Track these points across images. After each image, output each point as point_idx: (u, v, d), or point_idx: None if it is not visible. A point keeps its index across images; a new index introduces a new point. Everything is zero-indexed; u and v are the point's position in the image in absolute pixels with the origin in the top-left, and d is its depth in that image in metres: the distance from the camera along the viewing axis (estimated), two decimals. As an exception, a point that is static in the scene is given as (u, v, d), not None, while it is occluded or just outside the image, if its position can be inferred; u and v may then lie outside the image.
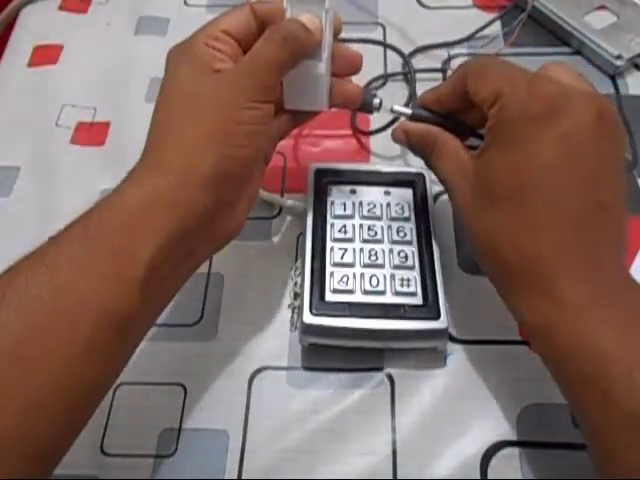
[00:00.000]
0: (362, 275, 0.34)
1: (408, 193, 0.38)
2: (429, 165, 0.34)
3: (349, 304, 0.33)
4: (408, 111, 0.34)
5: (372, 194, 0.38)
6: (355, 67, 0.34)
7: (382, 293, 0.34)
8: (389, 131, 0.36)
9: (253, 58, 0.30)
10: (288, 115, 0.34)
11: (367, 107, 0.34)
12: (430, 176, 0.38)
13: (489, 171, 0.29)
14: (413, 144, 0.34)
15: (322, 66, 0.31)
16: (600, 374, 0.25)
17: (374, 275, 0.34)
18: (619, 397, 0.24)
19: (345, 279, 0.34)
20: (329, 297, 0.34)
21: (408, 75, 0.46)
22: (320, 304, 0.33)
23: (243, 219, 0.31)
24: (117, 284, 0.26)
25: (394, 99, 0.45)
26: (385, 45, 0.48)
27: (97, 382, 0.26)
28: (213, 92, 0.29)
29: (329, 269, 0.35)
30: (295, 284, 0.37)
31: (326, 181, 0.38)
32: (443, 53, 0.47)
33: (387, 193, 0.38)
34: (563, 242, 0.27)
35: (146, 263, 0.26)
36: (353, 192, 0.38)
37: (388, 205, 0.37)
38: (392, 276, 0.34)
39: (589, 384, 0.25)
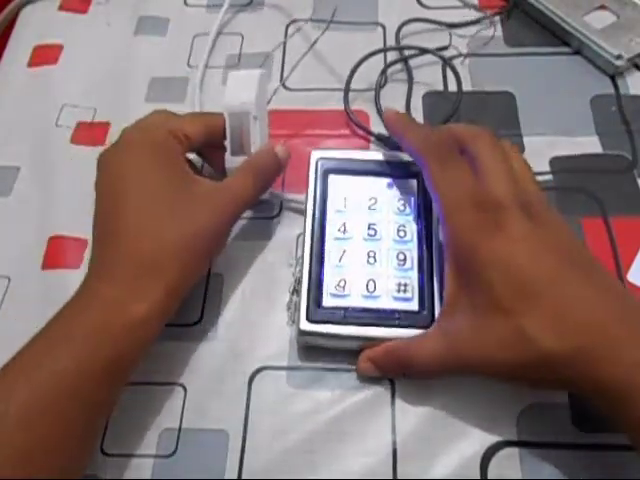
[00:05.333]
0: (359, 279, 0.34)
1: (413, 184, 0.37)
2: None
3: (345, 311, 0.33)
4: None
5: (374, 186, 0.37)
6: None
7: (378, 298, 0.34)
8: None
9: (236, 196, 0.33)
10: None
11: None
12: None
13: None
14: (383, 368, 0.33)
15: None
16: None
17: (371, 279, 0.34)
18: None
19: (342, 283, 0.34)
20: (326, 302, 0.34)
21: (408, 61, 0.46)
22: (316, 310, 0.33)
23: None
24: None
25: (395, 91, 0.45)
26: (385, 50, 0.48)
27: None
28: (196, 212, 0.32)
29: (327, 272, 0.34)
30: (295, 280, 0.37)
31: (327, 171, 0.37)
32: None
33: (390, 185, 0.37)
34: None
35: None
36: (355, 184, 0.37)
37: (391, 199, 0.36)
38: (389, 280, 0.34)
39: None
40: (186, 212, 0.31)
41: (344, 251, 0.35)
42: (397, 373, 0.33)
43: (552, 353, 0.27)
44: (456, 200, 0.31)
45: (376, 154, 0.38)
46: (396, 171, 0.37)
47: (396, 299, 0.34)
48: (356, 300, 0.34)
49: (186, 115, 0.36)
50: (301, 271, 0.34)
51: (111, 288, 0.29)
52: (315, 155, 0.37)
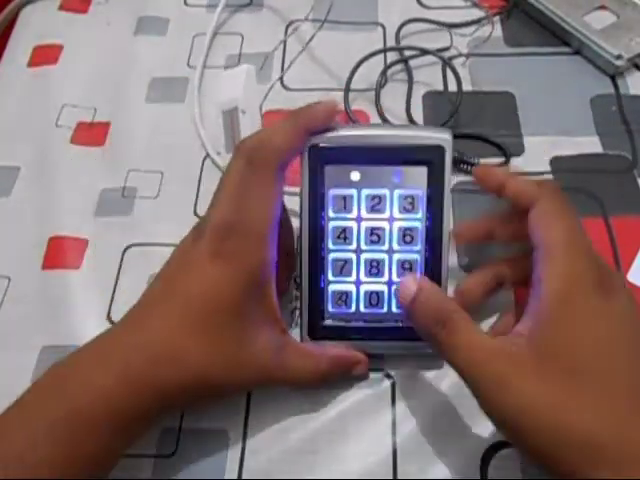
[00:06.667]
0: (362, 292, 0.33)
1: (422, 174, 0.31)
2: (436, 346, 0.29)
3: (347, 325, 0.33)
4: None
5: (378, 179, 0.32)
6: None
7: (382, 310, 0.33)
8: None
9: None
10: None
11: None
12: (450, 151, 0.31)
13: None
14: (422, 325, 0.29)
15: None
16: None
17: (374, 292, 0.33)
18: None
19: (344, 297, 0.33)
20: (327, 318, 0.33)
21: (408, 61, 0.46)
22: (318, 327, 0.33)
23: None
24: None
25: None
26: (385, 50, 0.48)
27: None
28: None
29: (328, 286, 0.33)
30: (296, 282, 0.37)
31: (323, 161, 0.31)
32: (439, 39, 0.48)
33: (397, 176, 0.31)
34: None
35: None
36: (355, 177, 0.32)
37: (396, 196, 0.32)
38: (393, 290, 0.33)
39: None
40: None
41: (345, 262, 0.33)
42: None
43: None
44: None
45: (379, 131, 0.32)
46: (403, 157, 0.31)
47: (401, 311, 0.33)
48: (358, 314, 0.33)
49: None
50: (301, 285, 0.33)
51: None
52: (307, 143, 0.31)
